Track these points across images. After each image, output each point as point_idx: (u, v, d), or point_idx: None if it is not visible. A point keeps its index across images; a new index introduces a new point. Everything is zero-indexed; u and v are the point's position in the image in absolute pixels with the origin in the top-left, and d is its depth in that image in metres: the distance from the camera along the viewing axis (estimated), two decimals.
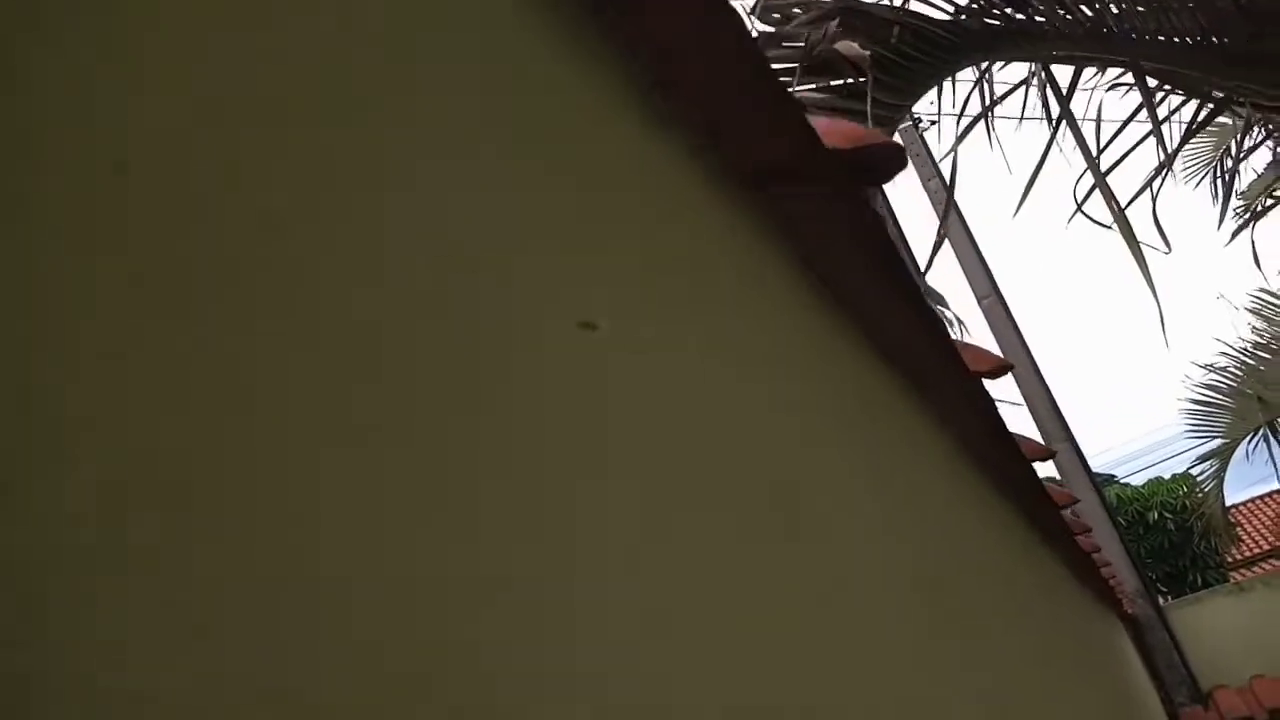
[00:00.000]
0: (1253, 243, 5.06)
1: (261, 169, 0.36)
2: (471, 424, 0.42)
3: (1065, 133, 2.82)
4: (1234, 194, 6.41)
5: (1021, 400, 7.59)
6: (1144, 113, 2.92)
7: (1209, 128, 8.12)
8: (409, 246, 0.42)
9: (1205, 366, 8.20)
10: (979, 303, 8.22)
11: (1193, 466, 9.06)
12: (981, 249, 8.37)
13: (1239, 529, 15.35)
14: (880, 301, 1.19)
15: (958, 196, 8.67)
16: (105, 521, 0.26)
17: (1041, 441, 7.86)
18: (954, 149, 2.83)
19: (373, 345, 0.38)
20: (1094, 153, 2.81)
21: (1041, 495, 2.62)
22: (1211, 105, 2.79)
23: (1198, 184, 8.04)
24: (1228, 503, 9.76)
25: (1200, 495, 9.64)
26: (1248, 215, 5.53)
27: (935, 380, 1.60)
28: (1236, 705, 6.84)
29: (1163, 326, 2.31)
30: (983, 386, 1.79)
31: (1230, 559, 14.96)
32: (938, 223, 8.62)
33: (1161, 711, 6.96)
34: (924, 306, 1.27)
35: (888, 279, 1.15)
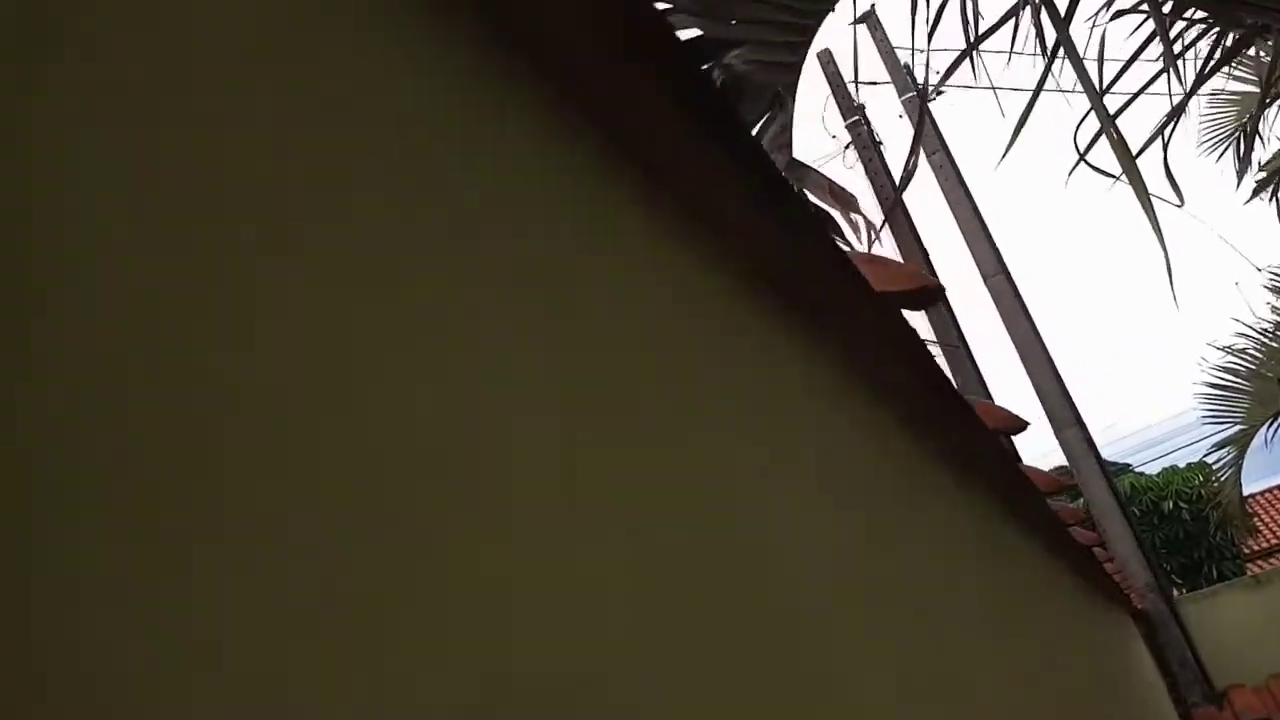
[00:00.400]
0: (1278, 204, 4.65)
1: None
2: None
3: (1065, 71, 2.45)
4: (1256, 163, 5.99)
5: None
6: (1155, 48, 2.55)
7: (1230, 95, 7.67)
8: None
9: (1223, 349, 7.78)
10: (985, 281, 7.82)
11: (1209, 454, 8.65)
12: (988, 224, 7.96)
13: (1257, 519, 14.97)
14: (663, 128, 0.74)
15: (962, 169, 8.27)
16: None
17: (1050, 427, 7.49)
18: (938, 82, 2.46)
19: None
20: (1098, 90, 2.44)
21: (1017, 478, 2.24)
22: (1238, 34, 2.40)
23: (1219, 156, 7.60)
24: (1245, 492, 9.37)
25: (1217, 484, 9.26)
26: (1270, 181, 5.12)
27: (803, 286, 1.08)
28: (1253, 705, 6.50)
29: (1171, 284, 1.95)
30: (901, 318, 1.30)
31: (1247, 550, 14.58)
32: (940, 193, 8.22)
33: (1173, 712, 6.61)
34: (758, 159, 0.81)
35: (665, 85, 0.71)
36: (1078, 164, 2.66)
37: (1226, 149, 7.45)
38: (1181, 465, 14.92)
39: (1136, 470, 16.46)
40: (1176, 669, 6.79)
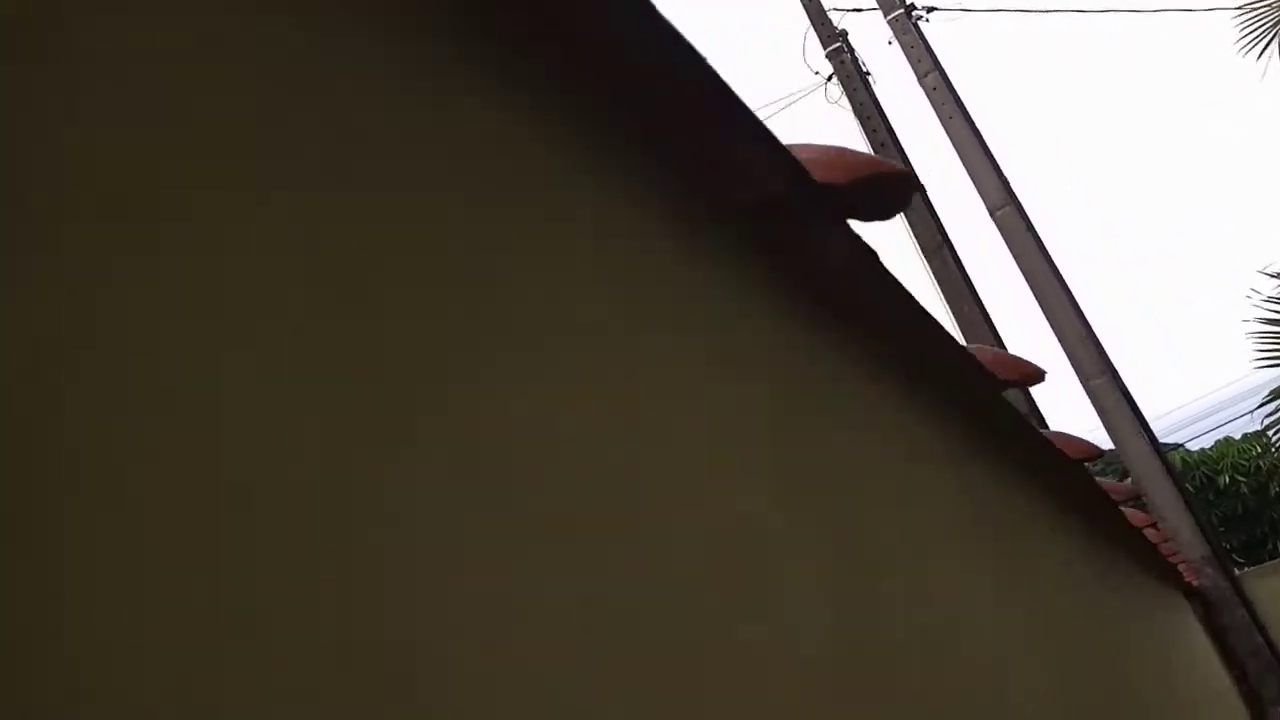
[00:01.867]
0: None
1: None
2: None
3: None
4: None
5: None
6: None
7: None
8: None
9: (1277, 275, 6.61)
10: (992, 215, 6.74)
11: (1264, 403, 7.47)
12: (993, 152, 6.87)
13: None
14: None
15: (961, 92, 7.19)
16: None
17: (1076, 377, 6.38)
18: None
19: None
20: None
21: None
22: None
23: (1261, 53, 6.47)
24: None
25: (1276, 451, 8.10)
26: None
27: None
28: None
29: None
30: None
31: None
32: (939, 126, 7.16)
33: (1242, 707, 5.46)
34: None
35: None
36: None
37: (1270, 41, 6.32)
38: (1236, 437, 13.81)
39: (1185, 447, 15.26)
40: (1246, 657, 5.64)
